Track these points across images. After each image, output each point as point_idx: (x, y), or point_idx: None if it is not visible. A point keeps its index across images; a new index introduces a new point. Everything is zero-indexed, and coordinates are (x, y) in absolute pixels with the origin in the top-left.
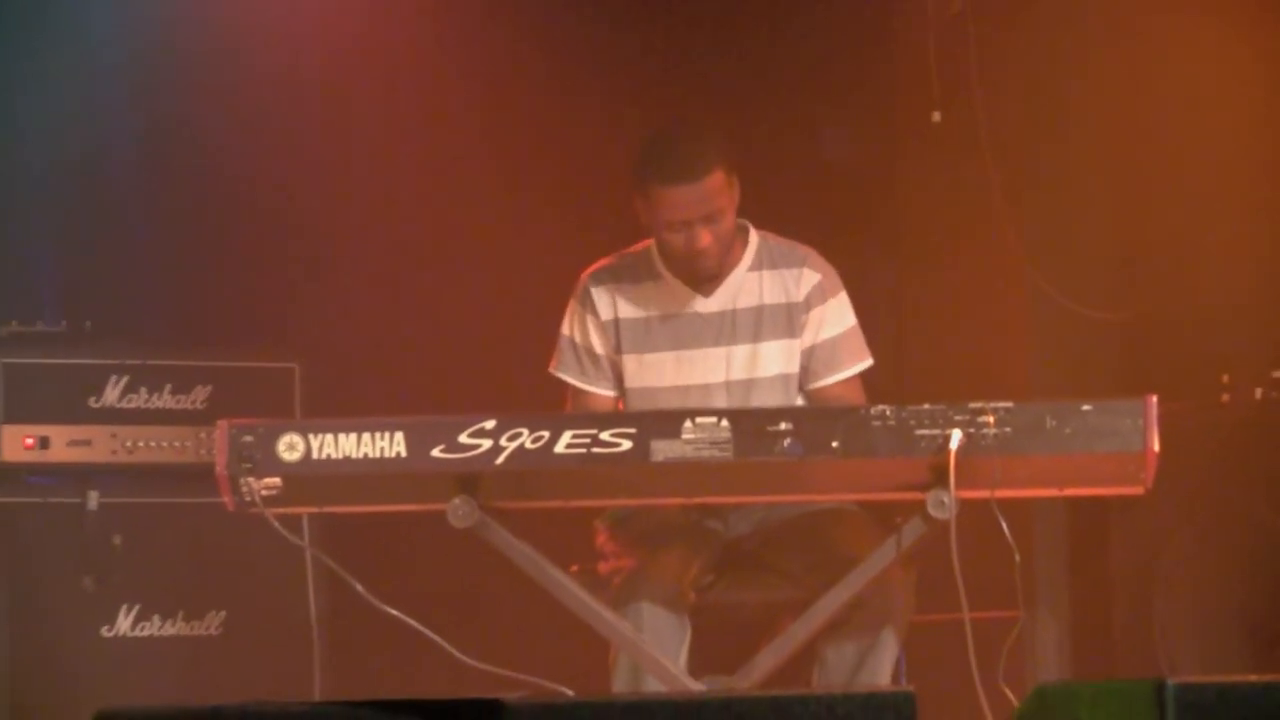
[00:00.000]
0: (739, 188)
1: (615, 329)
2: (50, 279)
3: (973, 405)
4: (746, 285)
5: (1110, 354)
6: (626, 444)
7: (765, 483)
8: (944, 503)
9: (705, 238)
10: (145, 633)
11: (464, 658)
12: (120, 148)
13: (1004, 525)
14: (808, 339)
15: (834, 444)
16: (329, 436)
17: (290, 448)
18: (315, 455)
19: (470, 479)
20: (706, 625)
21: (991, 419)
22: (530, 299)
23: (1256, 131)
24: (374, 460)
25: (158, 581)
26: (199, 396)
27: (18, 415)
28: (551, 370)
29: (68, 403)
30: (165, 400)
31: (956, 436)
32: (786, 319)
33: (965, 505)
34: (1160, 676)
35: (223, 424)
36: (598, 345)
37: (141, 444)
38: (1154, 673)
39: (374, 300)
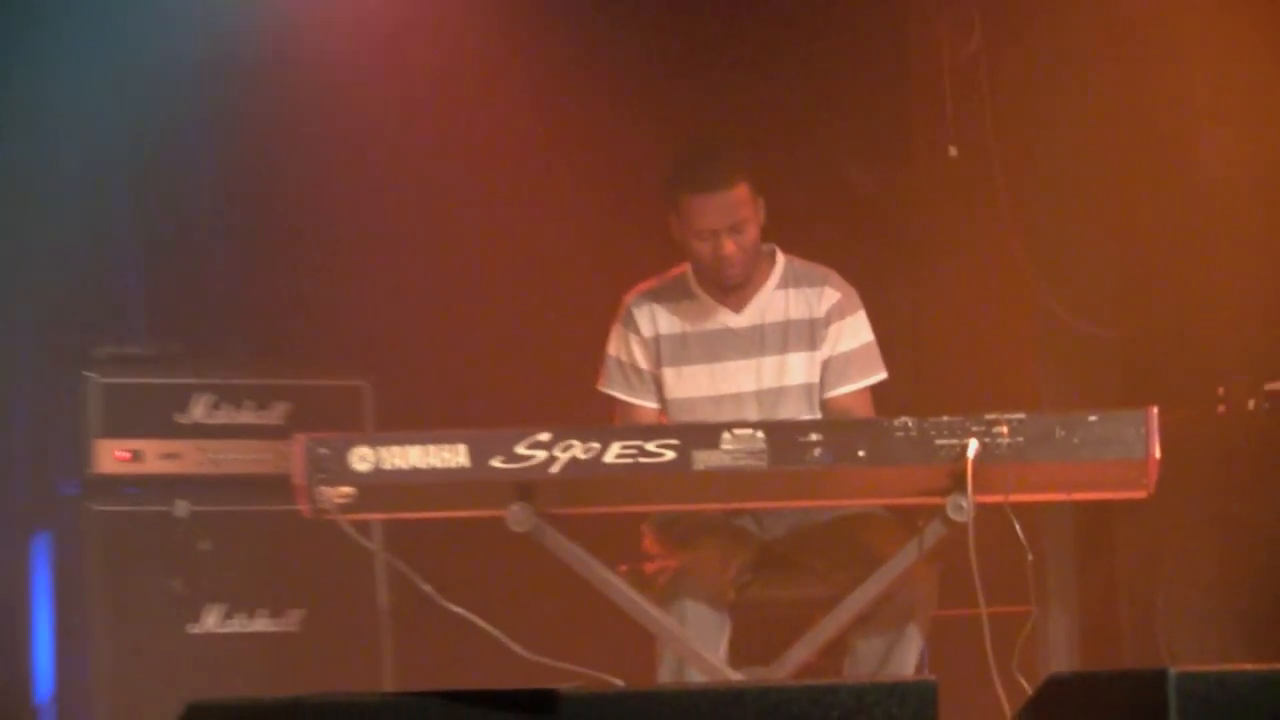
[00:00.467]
0: (764, 208)
1: (656, 345)
2: (143, 306)
3: (988, 416)
4: (774, 302)
5: (1114, 368)
6: (670, 454)
7: (797, 489)
8: (962, 506)
9: (729, 246)
10: (230, 630)
11: (522, 651)
12: (202, 184)
13: (1017, 527)
14: (825, 352)
15: (860, 453)
16: (397, 449)
17: (361, 459)
18: (384, 466)
19: (527, 487)
20: (744, 620)
21: (1005, 429)
22: (580, 319)
23: (1249, 164)
24: (438, 470)
25: (241, 582)
26: (278, 413)
27: (114, 431)
28: (600, 388)
29: (159, 419)
30: (247, 416)
31: (973, 446)
32: (809, 333)
33: (982, 509)
34: (1162, 666)
35: (300, 438)
36: (641, 361)
37: (226, 456)
38: (1157, 663)
39: (437, 323)
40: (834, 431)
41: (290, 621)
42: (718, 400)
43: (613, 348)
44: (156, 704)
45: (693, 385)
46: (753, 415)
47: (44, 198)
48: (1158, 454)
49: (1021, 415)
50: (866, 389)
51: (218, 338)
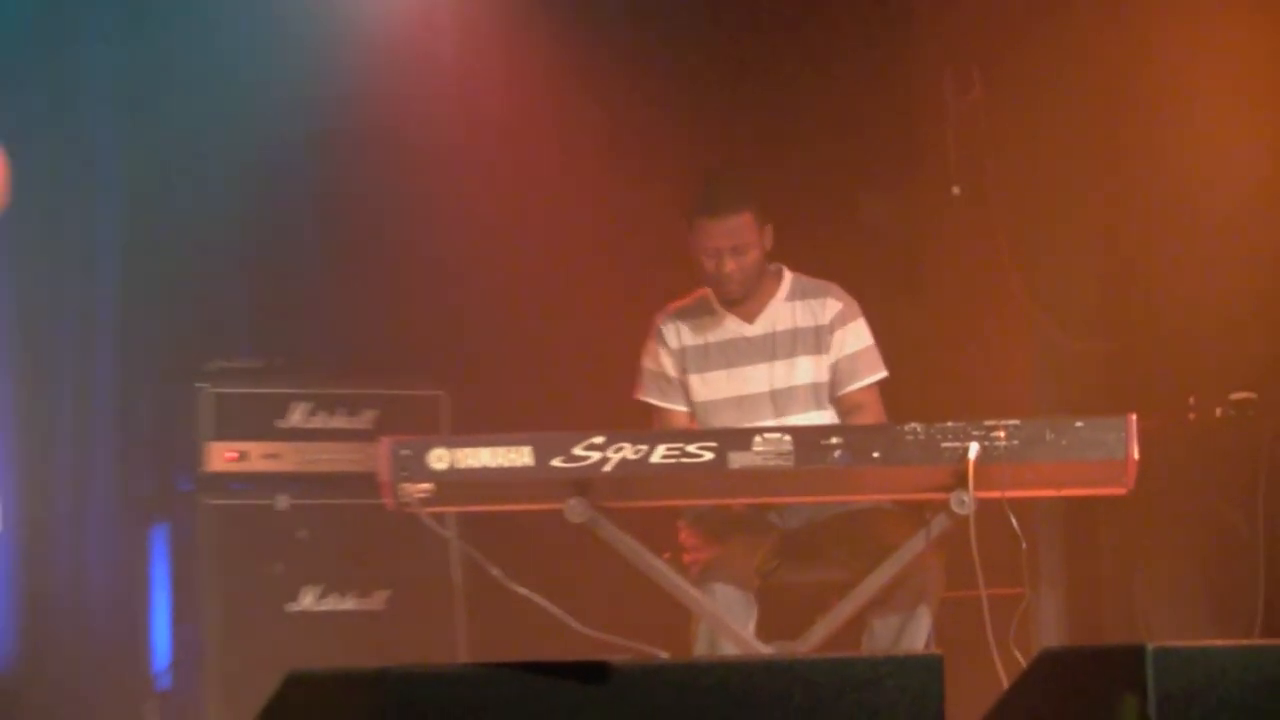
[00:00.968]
0: (771, 234)
1: (682, 355)
2: (247, 323)
3: (987, 422)
4: (783, 313)
5: (1097, 379)
6: (709, 455)
7: (819, 486)
8: (964, 501)
9: (730, 264)
10: (324, 609)
11: (578, 626)
12: (301, 212)
13: (1013, 519)
14: (833, 355)
15: (875, 454)
16: (470, 450)
17: (439, 459)
18: (458, 465)
19: (583, 483)
20: (771, 602)
21: (1002, 433)
22: (630, 335)
23: (1216, 204)
24: (506, 469)
25: (334, 567)
26: (366, 418)
27: (222, 434)
28: (636, 397)
29: (262, 424)
30: (339, 421)
31: (974, 448)
32: (815, 339)
33: (981, 503)
34: (1141, 642)
35: (385, 440)
36: (670, 370)
37: (320, 456)
38: (1135, 638)
39: (504, 341)
40: (852, 435)
41: (376, 601)
42: (738, 401)
43: (646, 360)
44: (259, 673)
45: (715, 388)
46: (768, 413)
47: (161, 226)
48: (1136, 455)
49: (1016, 421)
50: (874, 385)
51: (314, 352)
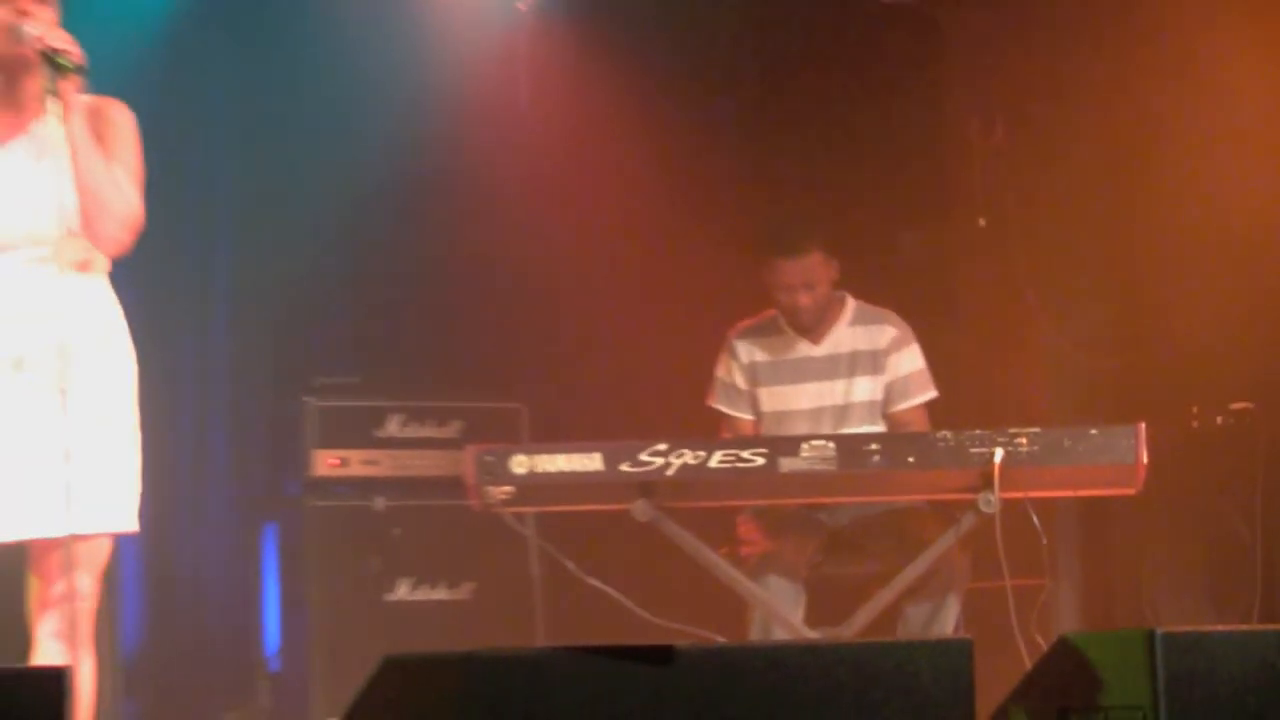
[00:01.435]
0: (837, 267)
1: (752, 370)
2: (348, 343)
3: (1010, 430)
4: (845, 337)
5: (1109, 391)
6: (761, 460)
7: (860, 487)
8: (990, 501)
9: (804, 299)
10: (417, 598)
11: (644, 614)
12: (397, 245)
13: (1034, 517)
14: (888, 376)
15: (910, 459)
16: (546, 456)
17: (519, 465)
18: (537, 470)
19: (648, 486)
20: (818, 592)
21: (1024, 440)
22: (691, 350)
23: (1217, 230)
24: (579, 473)
25: (426, 561)
26: (454, 428)
27: (326, 443)
28: (708, 403)
29: (361, 433)
30: (429, 431)
31: (999, 453)
32: (872, 361)
33: (1005, 503)
34: (1150, 627)
35: (471, 448)
36: (740, 382)
37: (413, 463)
38: (1144, 624)
39: (577, 358)
40: (889, 442)
41: (463, 592)
42: (801, 413)
43: (719, 371)
44: (359, 657)
45: (781, 401)
46: (828, 425)
47: (270, 257)
48: (1145, 459)
49: (1037, 429)
50: (923, 404)
51: (407, 369)
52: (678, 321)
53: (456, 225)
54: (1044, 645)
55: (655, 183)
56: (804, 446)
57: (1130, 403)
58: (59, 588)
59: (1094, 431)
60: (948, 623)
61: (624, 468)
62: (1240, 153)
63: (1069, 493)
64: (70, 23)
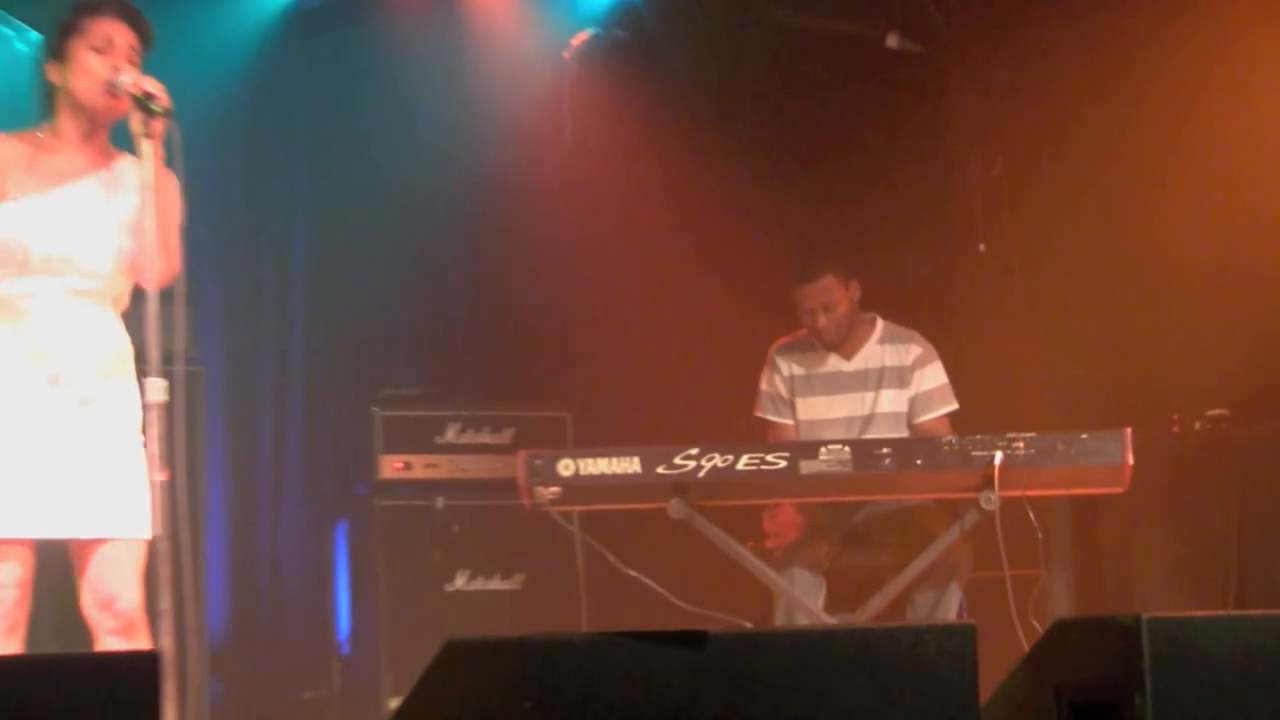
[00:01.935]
0: (858, 287)
1: (790, 382)
2: (411, 359)
3: (1009, 435)
4: (875, 354)
5: (1098, 399)
6: (783, 463)
7: (872, 487)
8: (991, 499)
9: (823, 320)
10: (474, 588)
11: (679, 602)
12: (455, 270)
13: (1030, 514)
14: (912, 390)
15: (918, 461)
16: (590, 460)
17: (566, 467)
18: (582, 472)
19: (682, 486)
20: (836, 581)
21: (1022, 444)
22: (720, 365)
23: (1199, 254)
24: (619, 475)
25: (481, 554)
26: (506, 435)
27: (392, 449)
28: (756, 414)
29: (423, 440)
30: (484, 438)
31: (999, 456)
32: (899, 376)
33: (1004, 501)
34: (1137, 613)
35: (522, 453)
36: (783, 391)
37: (470, 466)
38: (1132, 610)
39: (617, 372)
40: (899, 447)
41: (515, 582)
42: (833, 422)
43: (763, 384)
44: (422, 641)
45: (815, 411)
46: (856, 434)
47: (341, 281)
48: (1131, 461)
49: (1033, 434)
50: (945, 416)
51: (465, 382)
52: (707, 339)
53: (508, 253)
54: (1040, 630)
55: (687, 213)
56: (822, 451)
57: (1117, 410)
58: (109, 586)
59: (1084, 436)
60: (952, 609)
61: (660, 470)
62: (1209, 192)
63: (1062, 491)
64: (161, 72)
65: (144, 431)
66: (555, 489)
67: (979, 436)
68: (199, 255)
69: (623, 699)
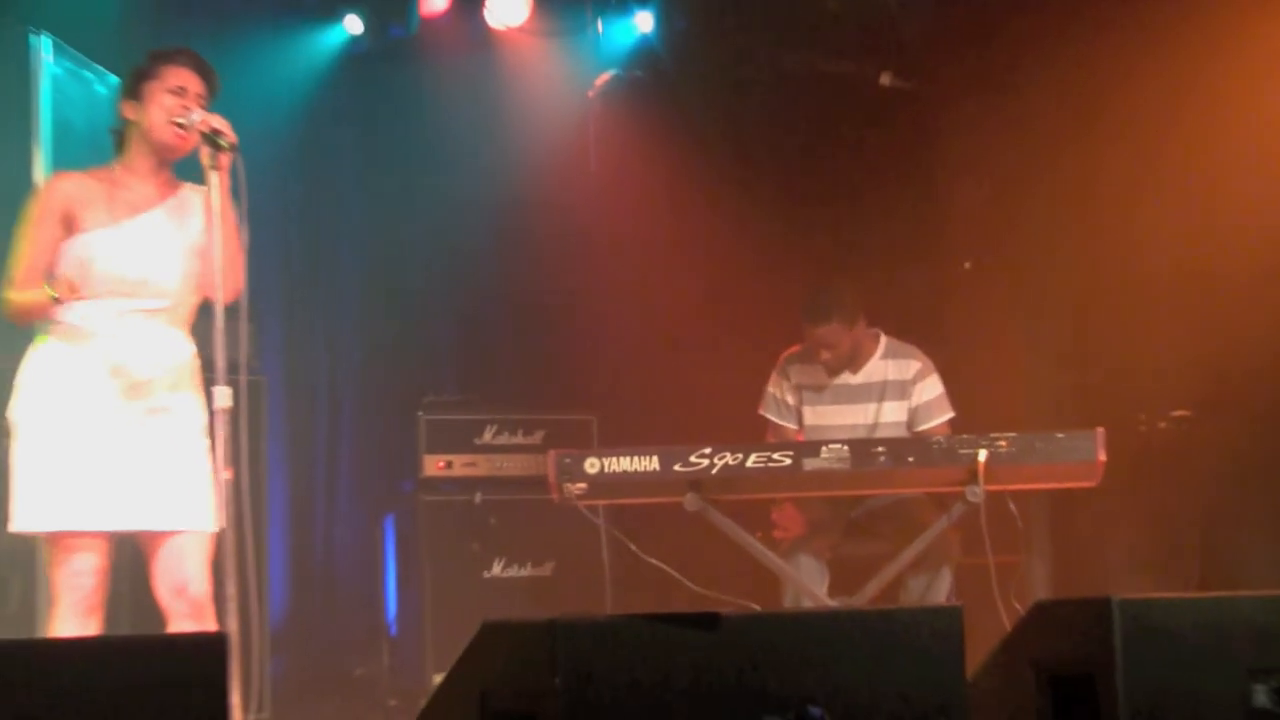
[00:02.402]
0: (862, 324)
1: (799, 390)
2: (452, 369)
3: (993, 435)
4: (878, 369)
5: (1073, 402)
6: (788, 460)
7: (869, 482)
8: (976, 493)
9: (825, 355)
10: (509, 575)
11: (694, 587)
12: (492, 287)
13: (1012, 505)
14: (913, 402)
15: (910, 459)
16: (613, 458)
17: (591, 465)
18: (606, 470)
19: (697, 482)
20: (838, 568)
21: (1004, 443)
22: (728, 372)
23: (1165, 265)
24: (640, 472)
25: (515, 544)
26: (538, 436)
27: (435, 449)
28: (759, 412)
29: (463, 441)
30: (518, 439)
31: (983, 453)
32: (900, 389)
33: (988, 495)
34: (1109, 595)
35: (552, 453)
36: (788, 398)
37: (505, 464)
38: (1104, 593)
39: (637, 380)
40: (893, 445)
41: (546, 570)
42: (838, 428)
43: (771, 386)
44: (462, 623)
45: (822, 418)
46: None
47: (390, 295)
48: (1103, 458)
49: (1014, 434)
50: (945, 423)
51: (500, 388)
52: (719, 348)
53: (539, 271)
54: (1020, 610)
55: (700, 234)
56: (823, 449)
57: (1090, 412)
58: (182, 572)
59: (1061, 435)
60: (942, 592)
61: (677, 467)
62: (1173, 215)
63: (1040, 486)
64: (228, 109)
65: (210, 435)
66: (582, 485)
67: (965, 436)
68: (260, 276)
69: (643, 675)
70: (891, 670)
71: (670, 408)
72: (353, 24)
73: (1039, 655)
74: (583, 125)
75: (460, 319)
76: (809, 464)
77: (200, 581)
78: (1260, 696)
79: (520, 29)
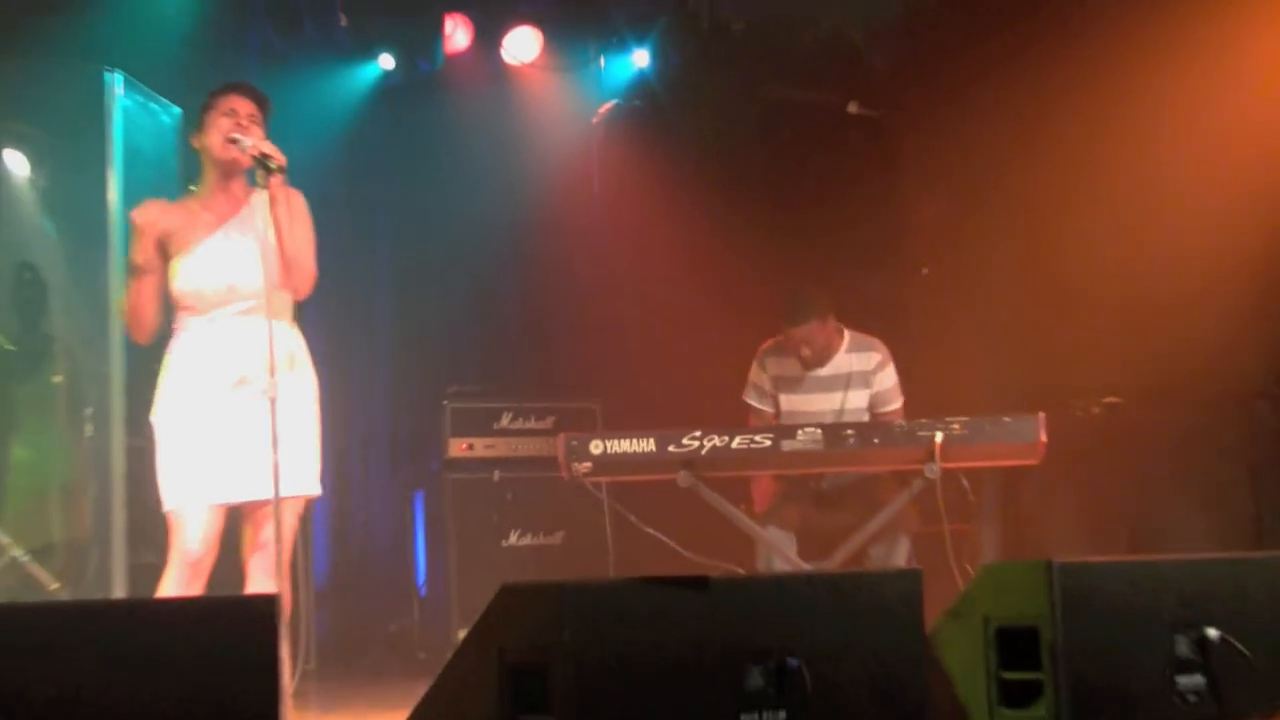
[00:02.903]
0: (833, 319)
1: (775, 380)
2: (474, 362)
3: (948, 419)
4: (844, 361)
5: (1017, 389)
6: (768, 442)
7: (840, 461)
8: (934, 470)
9: (804, 352)
10: (524, 544)
11: (685, 553)
12: (511, 285)
13: (964, 481)
14: (874, 389)
15: (875, 440)
16: (615, 440)
17: (596, 447)
18: (609, 451)
19: (688, 461)
20: (809, 537)
21: (958, 426)
22: (717, 364)
23: (1100, 267)
24: (639, 453)
25: (530, 516)
26: (548, 421)
27: (458, 433)
28: (742, 398)
29: (483, 426)
30: (532, 424)
31: (940, 435)
32: (864, 378)
33: (944, 472)
34: (1049, 559)
35: (561, 436)
36: (766, 385)
37: (520, 446)
38: (1045, 557)
39: (637, 371)
40: (860, 428)
41: (556, 538)
42: (809, 414)
43: (751, 375)
44: (484, 586)
45: (796, 405)
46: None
47: (419, 292)
48: (1044, 439)
49: (967, 418)
50: (899, 407)
51: (517, 378)
52: (708, 345)
53: (548, 278)
54: (972, 574)
55: (692, 246)
56: (799, 432)
57: (1032, 398)
58: (266, 533)
59: (1007, 419)
60: (902, 558)
61: (670, 449)
62: (1106, 223)
63: (989, 464)
64: (277, 135)
65: (319, 405)
66: (588, 464)
67: (923, 420)
68: None
69: (643, 631)
70: (860, 625)
71: (665, 396)
72: (386, 61)
73: (989, 612)
74: (587, 149)
75: (480, 320)
76: (787, 445)
77: (288, 543)
78: (1182, 646)
79: (532, 65)
